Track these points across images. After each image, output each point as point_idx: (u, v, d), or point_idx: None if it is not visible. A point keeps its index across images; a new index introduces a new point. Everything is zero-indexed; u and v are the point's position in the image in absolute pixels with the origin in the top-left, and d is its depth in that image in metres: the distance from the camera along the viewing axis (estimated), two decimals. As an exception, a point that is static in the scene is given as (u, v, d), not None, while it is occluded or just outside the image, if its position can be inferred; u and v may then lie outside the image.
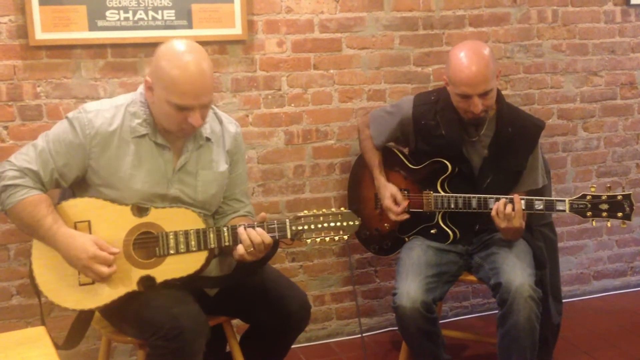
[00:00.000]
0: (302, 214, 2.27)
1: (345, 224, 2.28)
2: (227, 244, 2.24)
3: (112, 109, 2.25)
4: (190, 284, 2.28)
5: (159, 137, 2.26)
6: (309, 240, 2.26)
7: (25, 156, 2.22)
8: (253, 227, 2.23)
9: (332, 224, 2.26)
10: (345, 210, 2.29)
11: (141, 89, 2.28)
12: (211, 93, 2.19)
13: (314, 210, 2.28)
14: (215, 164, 2.36)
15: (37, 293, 2.23)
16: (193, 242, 2.22)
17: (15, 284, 2.94)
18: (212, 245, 2.23)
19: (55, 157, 2.21)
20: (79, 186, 2.30)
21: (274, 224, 2.25)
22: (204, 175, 2.33)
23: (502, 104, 2.75)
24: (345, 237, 2.28)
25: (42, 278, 2.21)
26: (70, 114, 2.25)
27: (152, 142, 2.26)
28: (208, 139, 2.35)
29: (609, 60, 3.65)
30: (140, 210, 2.24)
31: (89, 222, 2.21)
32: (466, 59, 2.57)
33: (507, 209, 2.57)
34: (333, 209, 2.29)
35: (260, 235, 2.21)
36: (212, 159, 2.36)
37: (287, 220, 2.25)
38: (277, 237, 2.27)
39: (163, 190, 2.27)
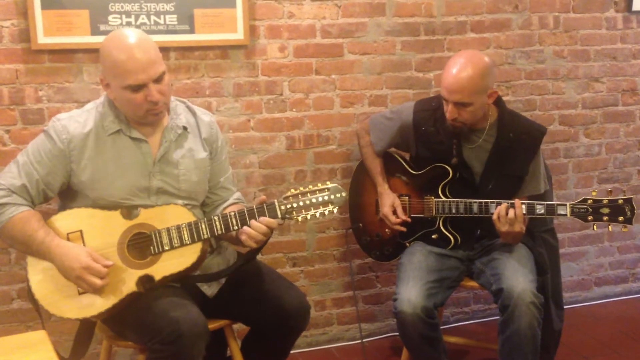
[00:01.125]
0: (289, 193, 2.28)
1: (333, 197, 2.28)
2: (219, 232, 2.26)
3: (83, 113, 2.33)
4: (190, 280, 2.29)
5: (134, 131, 2.31)
6: (300, 218, 2.27)
7: (9, 174, 2.27)
8: (244, 215, 2.25)
9: (321, 199, 2.27)
10: (332, 184, 2.29)
11: (105, 94, 2.33)
12: (160, 64, 2.23)
13: (301, 188, 2.29)
14: (194, 152, 2.40)
15: (37, 309, 2.25)
16: (186, 235, 2.24)
17: (16, 288, 2.94)
18: (205, 236, 2.25)
19: (38, 168, 2.26)
20: (67, 196, 2.34)
21: (263, 207, 2.26)
22: (184, 164, 2.37)
23: (504, 110, 2.75)
24: (335, 210, 2.29)
25: (40, 293, 2.23)
26: (45, 127, 2.32)
27: (127, 137, 2.31)
28: (185, 128, 2.39)
29: (611, 67, 3.65)
30: (129, 212, 2.27)
31: (80, 231, 2.24)
32: (457, 65, 2.58)
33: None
34: (319, 184, 2.30)
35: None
36: (190, 147, 2.40)
37: (276, 200, 2.27)
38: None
39: (146, 183, 2.31)
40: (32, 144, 2.32)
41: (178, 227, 2.24)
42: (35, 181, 2.25)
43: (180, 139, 2.38)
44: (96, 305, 2.21)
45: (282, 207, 2.26)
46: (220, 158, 2.50)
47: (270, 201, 2.27)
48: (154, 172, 2.32)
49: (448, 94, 2.59)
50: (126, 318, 2.24)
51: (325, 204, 2.27)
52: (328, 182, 2.31)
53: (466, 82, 2.56)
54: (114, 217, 2.26)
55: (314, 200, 2.27)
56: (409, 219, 2.83)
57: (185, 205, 2.33)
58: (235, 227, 2.26)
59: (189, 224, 2.24)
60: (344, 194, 2.29)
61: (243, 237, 2.26)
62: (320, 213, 2.27)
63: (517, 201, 2.58)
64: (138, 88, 2.18)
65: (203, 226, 2.25)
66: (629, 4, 3.60)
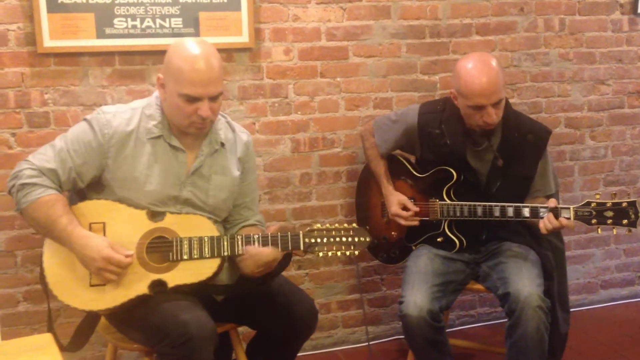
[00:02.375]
0: (315, 227, 2.30)
1: (356, 239, 2.31)
2: (240, 252, 2.27)
3: (129, 111, 2.32)
4: (200, 290, 2.28)
5: (174, 139, 2.30)
6: (320, 254, 2.29)
7: (43, 155, 2.25)
8: (267, 241, 2.26)
9: (344, 239, 2.30)
10: (358, 227, 2.33)
11: (156, 93, 2.33)
12: (219, 85, 2.23)
13: (327, 225, 2.32)
14: (228, 170, 2.40)
15: (47, 292, 2.23)
16: (207, 249, 2.24)
17: (22, 291, 2.94)
18: (226, 254, 2.25)
19: (74, 157, 2.24)
20: (94, 187, 2.32)
21: (287, 236, 2.27)
22: (216, 180, 2.37)
23: (509, 111, 2.74)
24: (356, 252, 2.32)
25: (52, 278, 2.22)
26: (88, 116, 2.31)
27: (166, 144, 2.30)
28: (222, 145, 2.39)
29: (617, 69, 3.65)
30: (155, 214, 2.27)
31: (103, 223, 2.24)
32: (476, 70, 2.56)
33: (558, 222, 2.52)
34: (345, 224, 2.33)
35: (270, 254, 2.25)
36: (225, 164, 2.40)
37: (301, 232, 2.28)
38: (290, 250, 2.30)
39: (176, 192, 2.30)
40: (72, 131, 2.30)
41: (200, 239, 2.24)
42: (68, 169, 2.24)
43: (217, 154, 2.38)
44: (104, 300, 2.21)
45: (307, 240, 2.28)
46: (250, 178, 2.51)
47: (295, 233, 2.28)
48: (185, 183, 2.32)
49: (486, 99, 2.55)
50: (134, 319, 2.24)
51: (348, 245, 2.31)
52: (354, 224, 2.34)
53: (497, 79, 2.56)
54: (139, 217, 2.25)
55: (337, 239, 2.30)
56: (419, 210, 2.81)
57: (210, 220, 2.33)
58: None
59: (212, 238, 2.25)
60: (368, 239, 2.32)
61: (247, 262, 2.26)
62: (342, 253, 2.30)
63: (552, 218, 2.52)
64: (193, 100, 2.19)
65: (225, 244, 2.25)
66: (634, 6, 3.59)
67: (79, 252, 2.17)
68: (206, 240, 2.24)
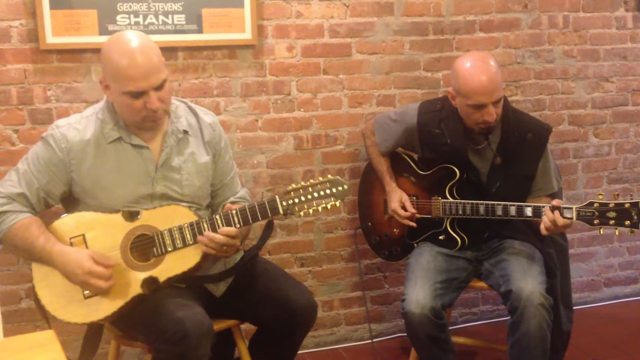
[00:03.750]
0: (290, 187, 2.27)
1: (335, 190, 2.27)
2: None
3: (82, 120, 2.30)
4: (195, 282, 2.28)
5: (134, 137, 2.29)
6: (302, 213, 2.26)
7: (9, 182, 2.26)
8: (245, 213, 2.23)
9: (322, 192, 2.26)
10: (333, 177, 2.28)
11: (105, 97, 2.31)
12: (161, 72, 2.20)
13: (302, 182, 2.28)
14: (196, 156, 2.38)
15: (45, 316, 2.25)
16: (188, 236, 2.23)
17: (24, 287, 2.95)
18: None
19: (38, 177, 2.25)
20: (69, 203, 2.34)
21: (264, 204, 2.25)
22: (187, 169, 2.35)
23: (508, 109, 2.73)
24: (337, 203, 2.28)
25: (47, 300, 2.23)
26: (44, 134, 2.30)
27: (128, 144, 2.28)
28: (186, 132, 2.36)
29: (621, 66, 3.63)
30: (131, 214, 2.26)
31: (83, 235, 2.24)
32: (475, 68, 2.56)
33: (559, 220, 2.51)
34: (320, 178, 2.29)
35: (223, 234, 2.21)
36: (192, 151, 2.37)
37: (277, 197, 2.26)
38: (270, 216, 2.28)
39: (149, 190, 2.29)
40: (32, 151, 2.30)
41: (180, 228, 2.23)
42: (35, 190, 2.24)
43: (182, 143, 2.35)
44: (102, 308, 2.21)
45: (284, 203, 2.25)
46: (225, 159, 2.48)
47: (271, 197, 2.26)
48: (156, 179, 2.30)
49: (487, 97, 2.55)
50: (133, 319, 2.24)
51: (327, 197, 2.26)
52: (329, 176, 2.29)
53: (496, 77, 2.56)
54: (116, 220, 2.25)
55: (315, 195, 2.25)
56: (417, 213, 2.81)
57: (189, 208, 2.31)
58: (238, 225, 2.25)
59: (191, 224, 2.24)
60: (345, 187, 2.27)
61: (203, 249, 2.24)
62: (322, 207, 2.26)
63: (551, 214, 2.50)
64: (138, 95, 2.16)
65: (205, 225, 2.24)
66: (638, 3, 3.58)
67: (62, 269, 2.19)
68: (186, 227, 2.23)
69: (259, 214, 2.25)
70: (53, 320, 2.25)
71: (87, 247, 2.23)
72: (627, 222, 2.46)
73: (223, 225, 2.24)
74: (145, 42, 2.20)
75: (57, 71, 2.86)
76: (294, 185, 2.27)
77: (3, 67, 2.79)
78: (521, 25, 3.43)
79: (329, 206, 2.27)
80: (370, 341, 3.34)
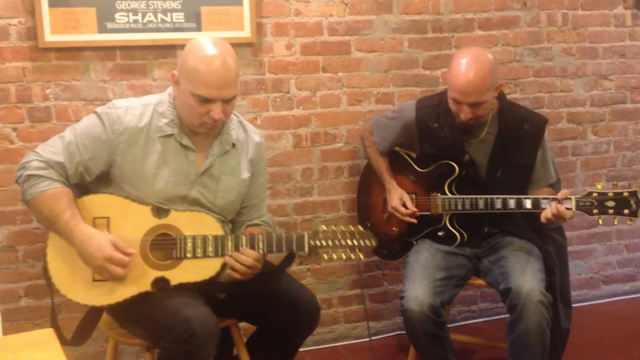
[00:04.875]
0: (320, 229, 2.27)
1: (362, 243, 2.28)
2: None
3: (140, 106, 2.28)
4: (203, 287, 2.28)
5: (185, 138, 2.28)
6: (325, 256, 2.26)
7: (52, 148, 2.23)
8: (271, 241, 2.24)
9: (349, 242, 2.27)
10: (363, 230, 2.29)
11: (170, 90, 2.31)
12: (234, 88, 2.21)
13: (332, 227, 2.27)
14: (237, 171, 2.38)
15: (50, 286, 2.22)
16: (210, 248, 2.23)
17: (24, 286, 2.95)
18: (229, 253, 2.23)
19: (82, 151, 2.22)
20: (102, 181, 2.30)
21: (292, 237, 2.25)
22: (226, 181, 2.35)
23: (504, 102, 2.76)
24: (361, 256, 2.28)
25: (55, 272, 2.21)
26: (99, 109, 2.27)
27: (177, 143, 2.28)
28: (234, 145, 2.36)
29: (619, 64, 3.64)
30: (160, 211, 2.25)
31: (108, 218, 2.22)
32: (465, 66, 2.58)
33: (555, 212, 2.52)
34: (351, 227, 2.29)
35: (249, 256, 2.22)
36: (235, 165, 2.38)
37: (306, 234, 2.26)
38: (294, 251, 2.28)
39: (185, 192, 2.29)
40: (82, 123, 2.27)
41: (204, 238, 2.23)
42: (76, 163, 2.22)
43: (228, 155, 2.35)
44: (107, 296, 2.20)
45: (312, 243, 2.25)
46: (259, 180, 2.48)
47: (300, 233, 2.26)
48: (194, 183, 2.30)
49: (462, 97, 2.58)
50: (137, 315, 2.23)
51: (352, 248, 2.27)
52: (360, 227, 2.29)
53: (480, 82, 2.56)
54: (144, 212, 2.24)
55: (342, 242, 2.26)
56: (417, 211, 2.81)
57: (218, 220, 2.30)
58: (260, 251, 2.25)
59: (216, 238, 2.23)
60: (373, 243, 2.28)
61: (228, 271, 2.23)
62: (346, 256, 2.27)
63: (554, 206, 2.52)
64: (206, 101, 2.16)
65: (229, 243, 2.23)
66: (637, 1, 3.58)
67: (80, 248, 2.16)
68: (210, 239, 2.23)
69: (284, 246, 2.26)
70: (56, 294, 2.23)
71: (109, 230, 2.21)
72: (626, 211, 2.47)
73: (247, 247, 2.23)
74: (232, 55, 2.21)
75: (56, 69, 2.85)
76: (324, 228, 2.27)
77: (2, 65, 2.79)
78: (520, 23, 3.43)
79: (352, 256, 2.27)
80: (369, 339, 3.35)
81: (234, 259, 2.21)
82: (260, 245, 2.25)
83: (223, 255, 2.23)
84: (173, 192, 2.27)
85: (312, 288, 3.28)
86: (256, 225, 2.47)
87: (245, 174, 2.40)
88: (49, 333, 1.83)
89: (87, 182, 2.29)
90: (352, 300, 3.44)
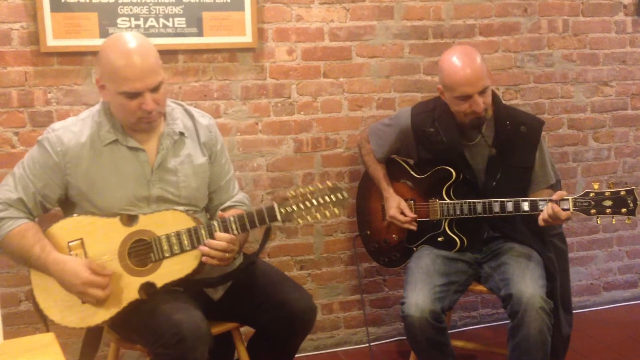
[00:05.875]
0: (289, 194, 2.24)
1: (334, 197, 2.24)
2: None
3: (78, 122, 2.30)
4: (193, 285, 2.28)
5: (131, 140, 2.28)
6: (300, 221, 2.24)
7: (6, 187, 2.26)
8: (243, 220, 2.22)
9: (321, 200, 2.23)
10: (332, 184, 2.25)
11: (102, 100, 2.31)
12: (157, 74, 2.19)
13: (300, 189, 2.24)
14: (193, 158, 2.37)
15: (43, 319, 2.25)
16: (186, 242, 2.23)
17: (24, 290, 2.94)
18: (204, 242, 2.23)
19: (35, 181, 2.24)
20: (66, 206, 2.33)
21: (262, 211, 2.24)
22: (184, 170, 2.34)
23: (499, 105, 2.77)
24: (337, 211, 2.25)
25: (45, 304, 2.23)
26: (39, 137, 2.29)
27: (124, 147, 2.28)
28: (182, 134, 2.36)
29: (620, 71, 3.64)
30: (129, 219, 2.26)
31: (81, 239, 2.23)
32: (459, 61, 2.61)
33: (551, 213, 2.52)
34: (319, 184, 2.25)
35: (220, 239, 2.21)
36: (188, 153, 2.37)
37: (275, 203, 2.24)
38: (268, 223, 2.26)
39: (145, 192, 2.29)
40: (28, 155, 2.30)
41: (178, 234, 2.23)
42: (31, 194, 2.24)
43: (178, 145, 2.35)
44: (99, 313, 2.21)
45: (282, 211, 2.23)
46: (220, 161, 2.47)
47: (269, 205, 2.25)
48: (152, 181, 2.30)
49: (472, 87, 2.59)
50: (131, 322, 2.24)
51: (326, 204, 2.24)
52: (328, 182, 2.27)
53: (480, 68, 2.59)
54: (114, 224, 2.24)
55: (314, 202, 2.23)
56: (416, 217, 2.82)
57: (186, 211, 2.30)
58: (235, 232, 2.24)
59: (189, 230, 2.23)
60: (345, 194, 2.26)
61: (203, 259, 2.23)
62: (322, 215, 2.24)
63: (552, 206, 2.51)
64: (133, 95, 2.16)
65: (203, 232, 2.23)
66: (638, 7, 3.58)
67: (58, 278, 2.18)
68: (183, 233, 2.22)
69: (256, 221, 2.24)
70: (51, 323, 2.25)
71: (85, 251, 2.22)
72: (624, 210, 2.47)
73: (221, 231, 2.23)
74: (143, 43, 2.20)
75: (58, 74, 2.86)
76: (292, 192, 2.24)
77: (4, 69, 2.80)
78: (521, 29, 3.44)
79: (328, 214, 2.24)
80: (368, 345, 3.34)
81: (207, 247, 2.21)
82: (233, 226, 2.24)
83: (200, 245, 2.23)
84: (133, 195, 2.27)
85: (312, 293, 3.28)
86: (230, 207, 2.45)
87: (201, 159, 2.39)
88: (49, 337, 1.83)
89: (49, 209, 2.31)
90: (353, 305, 3.44)
